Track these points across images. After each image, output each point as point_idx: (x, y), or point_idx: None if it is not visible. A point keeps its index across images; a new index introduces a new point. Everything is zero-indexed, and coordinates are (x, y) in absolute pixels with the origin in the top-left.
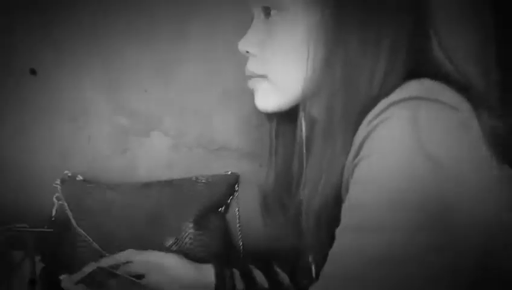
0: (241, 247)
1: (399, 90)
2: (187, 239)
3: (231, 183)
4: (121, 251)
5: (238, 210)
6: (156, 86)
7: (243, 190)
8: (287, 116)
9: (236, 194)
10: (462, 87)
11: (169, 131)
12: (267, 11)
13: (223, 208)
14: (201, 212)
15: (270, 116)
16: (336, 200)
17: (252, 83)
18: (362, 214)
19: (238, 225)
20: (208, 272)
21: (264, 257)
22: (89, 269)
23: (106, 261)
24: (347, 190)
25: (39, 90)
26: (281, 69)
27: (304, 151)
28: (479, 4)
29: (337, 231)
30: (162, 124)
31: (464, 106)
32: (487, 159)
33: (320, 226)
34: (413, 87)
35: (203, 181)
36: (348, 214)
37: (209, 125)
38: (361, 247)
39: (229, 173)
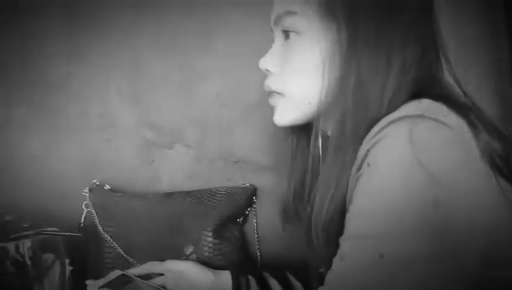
0: (259, 257)
1: (399, 109)
2: (206, 248)
3: (249, 195)
4: (144, 257)
5: (256, 221)
6: (180, 100)
7: (261, 201)
8: (307, 132)
9: (254, 205)
10: (464, 109)
11: (192, 144)
12: (286, 34)
13: (241, 218)
14: (220, 222)
15: (292, 130)
16: (343, 213)
17: (272, 100)
18: (362, 223)
19: (256, 236)
20: (225, 279)
21: (280, 266)
22: (113, 275)
23: (129, 272)
24: (351, 201)
25: (70, 103)
26: (297, 88)
27: (318, 165)
28: (495, 25)
29: (341, 239)
30: (184, 137)
31: (461, 125)
32: (484, 175)
33: (329, 237)
34: (412, 106)
35: (222, 192)
36: (350, 223)
37: (229, 139)
38: (362, 253)
39: (248, 185)
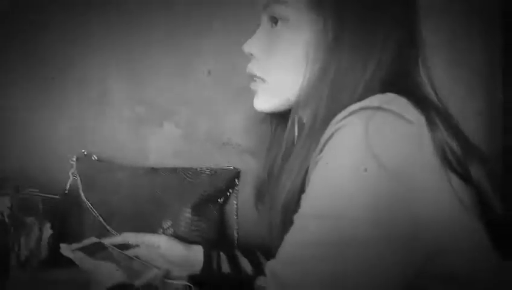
0: (236, 237)
1: (363, 100)
2: (183, 223)
3: (232, 177)
4: (123, 227)
5: (237, 203)
6: (173, 79)
7: (243, 184)
8: (287, 118)
9: (236, 188)
10: (427, 106)
11: (181, 122)
12: (273, 21)
13: (222, 199)
14: (200, 200)
15: (272, 116)
16: (301, 195)
17: (253, 84)
18: (313, 203)
19: (235, 217)
20: (197, 253)
21: (256, 247)
22: (88, 241)
23: (105, 240)
24: (308, 182)
25: (64, 72)
26: (279, 75)
27: (290, 150)
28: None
29: (295, 217)
30: (174, 115)
31: (419, 119)
32: (435, 169)
33: (287, 217)
34: (374, 98)
35: (206, 172)
36: (304, 203)
37: (218, 121)
38: (312, 231)
39: (232, 167)
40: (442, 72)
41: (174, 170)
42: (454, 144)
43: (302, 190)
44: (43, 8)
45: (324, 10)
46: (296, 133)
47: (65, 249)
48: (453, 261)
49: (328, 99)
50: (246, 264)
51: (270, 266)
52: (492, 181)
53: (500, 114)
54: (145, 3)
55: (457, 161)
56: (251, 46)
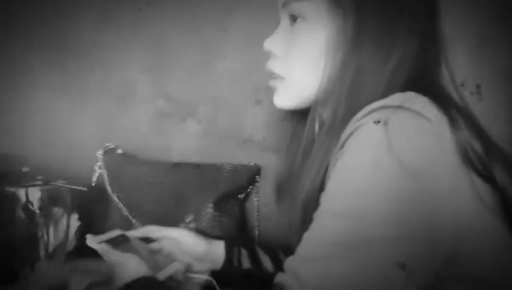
0: (257, 233)
1: (384, 99)
2: (205, 218)
3: (253, 174)
4: (146, 220)
5: (258, 200)
6: (196, 76)
7: (264, 181)
8: (307, 115)
9: (257, 184)
10: (449, 105)
11: (203, 119)
12: (293, 18)
13: (243, 195)
14: (222, 196)
15: (293, 113)
16: (321, 193)
17: (273, 82)
18: (333, 201)
19: (256, 213)
20: (218, 248)
21: (276, 244)
22: (112, 234)
23: (128, 233)
24: (328, 180)
25: (93, 69)
26: (298, 73)
27: (310, 148)
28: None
29: (314, 215)
30: (197, 111)
31: (440, 118)
32: (456, 168)
33: (307, 215)
34: (395, 97)
35: (227, 168)
36: (324, 200)
37: (240, 118)
38: (331, 230)
39: (252, 164)
40: (468, 69)
41: (196, 166)
42: (477, 145)
43: (322, 187)
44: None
45: (344, 7)
46: (317, 131)
47: (91, 241)
48: (474, 263)
49: (348, 97)
50: (266, 261)
51: (289, 263)
52: None
53: None
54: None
55: (480, 162)
56: (271, 43)
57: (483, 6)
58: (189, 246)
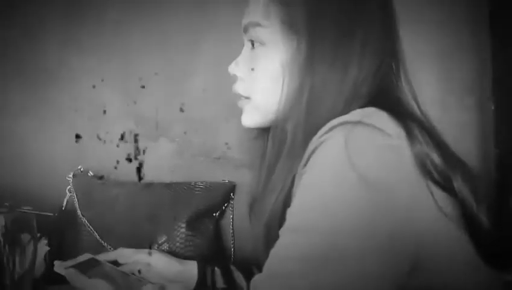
0: (233, 251)
1: (344, 116)
2: (178, 238)
3: (227, 191)
4: (119, 243)
5: (232, 217)
6: (167, 95)
7: (239, 198)
8: None
9: (231, 201)
10: (407, 119)
11: (176, 138)
12: (252, 43)
13: (218, 213)
14: (195, 215)
15: (264, 131)
16: (285, 209)
17: (240, 102)
18: (297, 217)
19: (231, 231)
20: (191, 267)
21: (253, 261)
22: (82, 258)
23: (99, 257)
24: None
25: (62, 90)
26: (260, 94)
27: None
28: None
29: (280, 231)
30: (169, 130)
31: (398, 132)
32: (415, 181)
33: (271, 232)
34: (354, 113)
35: (201, 186)
36: (289, 217)
37: (212, 136)
38: (295, 246)
39: (227, 181)
40: (433, 82)
41: (168, 185)
42: (435, 157)
43: (287, 204)
44: (43, 16)
45: (297, 32)
46: (272, 148)
47: (58, 267)
48: (437, 273)
49: (306, 116)
50: (240, 279)
51: (254, 281)
52: (477, 195)
53: (491, 126)
54: (140, 18)
55: (439, 173)
56: (234, 68)
57: (440, 20)
58: (161, 268)
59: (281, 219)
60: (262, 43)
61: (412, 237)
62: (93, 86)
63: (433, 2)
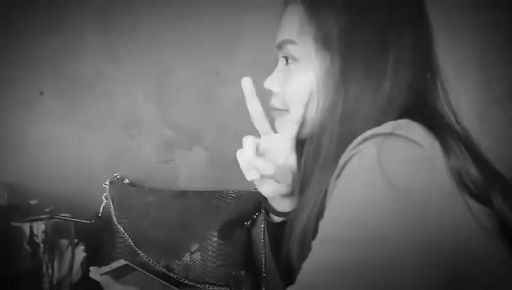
0: (264, 261)
1: (377, 127)
2: (210, 247)
3: (259, 200)
4: (152, 250)
5: (263, 226)
6: (202, 104)
7: None
8: None
9: (263, 211)
10: (443, 131)
11: (209, 146)
12: (286, 59)
13: (249, 222)
14: (227, 224)
15: (298, 144)
16: (319, 222)
17: (275, 113)
18: (331, 227)
19: (262, 241)
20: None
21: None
22: (116, 264)
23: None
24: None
25: (98, 99)
26: (296, 107)
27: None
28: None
29: (313, 243)
30: (203, 139)
31: (432, 144)
32: (451, 193)
33: (305, 243)
34: (387, 125)
35: (232, 195)
36: (322, 228)
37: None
38: (327, 256)
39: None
40: (472, 91)
41: (201, 193)
42: (473, 169)
43: (320, 216)
44: (80, 27)
45: (330, 49)
46: (308, 162)
47: (94, 273)
48: (474, 287)
49: (339, 129)
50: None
51: None
52: None
53: None
54: (171, 29)
55: (476, 185)
56: (269, 83)
57: (480, 28)
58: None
59: (315, 231)
60: (295, 60)
61: (445, 249)
62: (129, 95)
63: (472, 8)
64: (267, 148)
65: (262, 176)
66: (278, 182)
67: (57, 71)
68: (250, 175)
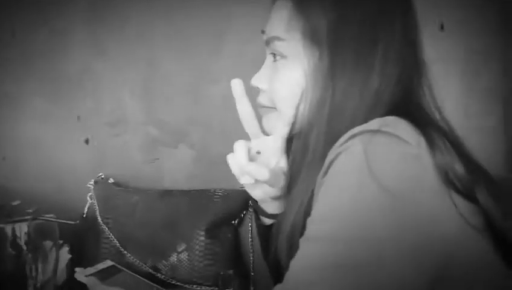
0: (252, 260)
1: (363, 125)
2: (197, 246)
3: (246, 199)
4: (138, 250)
5: (251, 225)
6: (188, 101)
7: None
8: None
9: (250, 209)
10: (428, 127)
11: (196, 144)
12: (274, 56)
13: (237, 221)
14: (214, 222)
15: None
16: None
17: (262, 111)
18: (318, 226)
19: (250, 239)
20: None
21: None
22: (102, 265)
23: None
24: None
25: (85, 97)
26: (284, 104)
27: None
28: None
29: (300, 241)
30: (189, 137)
31: (418, 141)
32: (437, 189)
33: (293, 242)
34: (374, 122)
35: (219, 194)
36: (309, 226)
37: (232, 143)
38: (317, 254)
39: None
40: (456, 88)
41: (187, 192)
42: (458, 166)
43: (308, 215)
44: (67, 23)
45: (318, 43)
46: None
47: (79, 274)
48: (463, 283)
49: (327, 125)
50: None
51: None
52: (501, 205)
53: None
54: (159, 25)
55: (462, 182)
56: (257, 80)
57: (464, 25)
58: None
59: (303, 230)
60: (283, 56)
61: (434, 246)
62: (115, 93)
63: (456, 6)
64: (258, 151)
65: (256, 181)
66: (271, 186)
67: (41, 68)
68: (244, 180)
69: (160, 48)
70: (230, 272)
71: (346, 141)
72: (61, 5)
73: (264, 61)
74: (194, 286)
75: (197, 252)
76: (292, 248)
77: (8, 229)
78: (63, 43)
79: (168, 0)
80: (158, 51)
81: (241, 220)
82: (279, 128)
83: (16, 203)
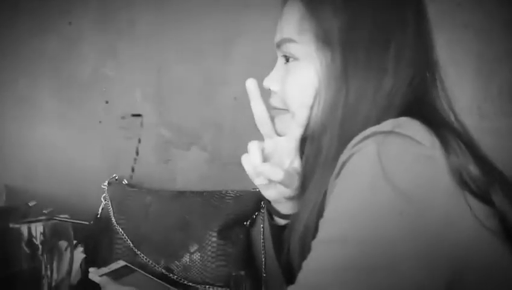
0: (264, 260)
1: (377, 126)
2: (209, 247)
3: (258, 200)
4: (151, 250)
5: (263, 226)
6: (199, 103)
7: None
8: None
9: (262, 210)
10: (442, 129)
11: (207, 146)
12: (286, 58)
13: (248, 222)
14: (226, 223)
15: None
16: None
17: (274, 112)
18: (331, 227)
19: (262, 240)
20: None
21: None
22: (115, 265)
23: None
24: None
25: (97, 99)
26: (296, 106)
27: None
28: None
29: (313, 243)
30: (201, 139)
31: (432, 142)
32: (451, 191)
33: (306, 244)
34: (387, 123)
35: (231, 195)
36: (322, 227)
37: (244, 144)
38: (328, 256)
39: (257, 189)
40: (470, 89)
41: (200, 194)
42: (472, 167)
43: (321, 216)
44: (79, 26)
45: (331, 47)
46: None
47: (93, 274)
48: (478, 285)
49: (340, 127)
50: None
51: None
52: None
53: None
54: (170, 28)
55: (476, 183)
56: (269, 82)
57: (478, 26)
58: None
59: (316, 231)
60: (296, 58)
61: (448, 248)
62: (127, 95)
63: (470, 7)
64: (271, 152)
65: (270, 181)
66: (286, 186)
67: (55, 71)
68: (258, 181)
69: (171, 50)
70: (242, 273)
71: (359, 142)
72: (71, 7)
73: (275, 64)
74: (206, 286)
75: (209, 253)
76: (304, 249)
77: (24, 229)
78: (75, 45)
79: (179, 3)
80: (170, 54)
81: (253, 221)
82: (293, 130)
83: (32, 203)
